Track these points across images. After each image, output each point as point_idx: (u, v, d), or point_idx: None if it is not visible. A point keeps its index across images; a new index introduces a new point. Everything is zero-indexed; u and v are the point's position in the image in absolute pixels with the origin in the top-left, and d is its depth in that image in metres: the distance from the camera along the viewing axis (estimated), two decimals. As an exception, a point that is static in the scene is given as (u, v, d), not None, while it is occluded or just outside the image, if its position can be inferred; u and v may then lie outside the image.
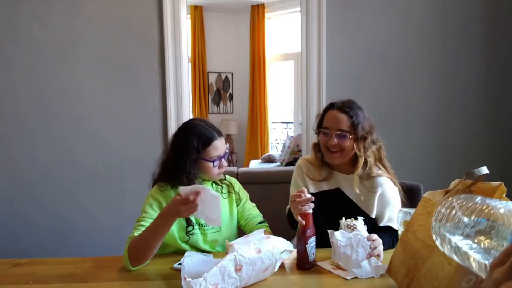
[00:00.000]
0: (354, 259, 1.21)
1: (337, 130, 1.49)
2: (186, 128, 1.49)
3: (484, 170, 1.10)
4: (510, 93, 2.64)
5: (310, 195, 1.28)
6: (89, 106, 2.56)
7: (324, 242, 1.37)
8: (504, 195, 1.08)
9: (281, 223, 1.65)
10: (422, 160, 2.63)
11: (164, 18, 2.51)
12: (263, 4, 5.62)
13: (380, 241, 1.31)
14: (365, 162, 1.52)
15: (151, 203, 1.45)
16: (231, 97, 6.31)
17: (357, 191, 1.51)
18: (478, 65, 2.62)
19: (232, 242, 1.19)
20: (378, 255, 1.28)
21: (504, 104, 2.65)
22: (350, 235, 1.24)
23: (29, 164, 2.56)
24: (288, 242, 1.28)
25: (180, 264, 1.30)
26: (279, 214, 1.73)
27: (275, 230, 1.58)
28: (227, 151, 1.52)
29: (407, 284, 1.05)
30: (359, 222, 1.34)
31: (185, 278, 1.04)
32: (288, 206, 1.60)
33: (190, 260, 1.24)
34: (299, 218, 1.27)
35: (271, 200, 2.08)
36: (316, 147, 1.62)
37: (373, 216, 1.54)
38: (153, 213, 1.42)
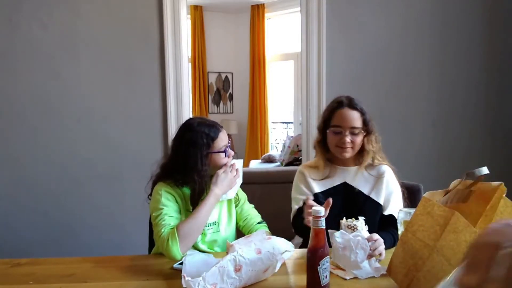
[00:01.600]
0: (353, 260, 1.21)
1: (351, 128, 1.52)
2: (189, 127, 1.50)
3: (485, 170, 1.10)
4: (510, 93, 2.64)
5: (319, 207, 1.15)
6: (89, 106, 2.56)
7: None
8: (504, 195, 1.08)
9: (281, 223, 1.65)
10: (422, 160, 2.63)
11: (164, 18, 2.51)
12: (263, 4, 5.62)
13: (381, 240, 1.30)
14: (372, 154, 1.57)
15: (167, 196, 1.44)
16: (231, 97, 6.31)
17: (368, 182, 1.56)
18: (478, 65, 2.62)
19: (232, 243, 1.19)
20: (380, 254, 1.27)
21: (504, 104, 2.65)
22: (350, 237, 1.23)
23: (29, 164, 2.56)
24: (289, 242, 1.28)
25: (180, 264, 1.30)
26: (279, 214, 1.73)
27: (275, 230, 1.58)
28: (230, 140, 1.58)
29: (407, 284, 1.05)
30: (360, 222, 1.34)
31: (184, 277, 1.04)
32: (293, 213, 1.60)
33: (191, 259, 1.24)
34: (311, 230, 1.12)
35: (271, 200, 2.09)
36: (320, 144, 1.63)
37: (382, 203, 1.55)
38: (172, 204, 1.43)
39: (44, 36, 2.50)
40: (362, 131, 1.53)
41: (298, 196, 1.60)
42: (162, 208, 1.40)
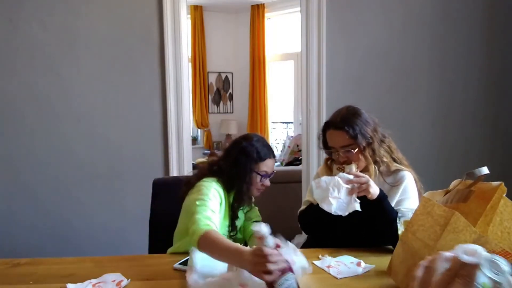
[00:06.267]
0: (323, 196, 1.33)
1: (341, 147, 1.49)
2: (248, 138, 1.55)
3: (485, 170, 1.10)
4: (510, 93, 2.64)
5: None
6: (89, 106, 2.56)
7: (342, 244, 1.45)
8: (504, 195, 1.08)
9: (282, 223, 1.65)
10: (422, 160, 2.62)
11: (164, 18, 2.51)
12: (263, 4, 5.62)
13: (368, 178, 1.37)
14: (383, 161, 1.53)
15: (214, 194, 1.43)
16: (231, 97, 6.30)
17: (383, 190, 1.47)
18: (479, 65, 2.62)
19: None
20: (367, 190, 1.35)
21: (504, 103, 2.65)
22: (324, 178, 1.35)
23: (28, 164, 2.56)
24: (305, 261, 1.18)
25: (180, 264, 1.30)
26: (280, 214, 1.74)
27: (276, 230, 1.58)
28: (274, 172, 1.57)
29: (407, 284, 1.05)
30: (350, 166, 1.44)
31: (191, 272, 1.04)
32: (301, 208, 1.63)
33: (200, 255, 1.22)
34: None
35: (271, 200, 2.09)
36: (328, 160, 1.64)
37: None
38: (214, 202, 1.39)
39: (44, 36, 2.49)
40: (354, 148, 1.48)
41: (307, 199, 1.63)
42: (206, 199, 1.37)
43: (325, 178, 1.35)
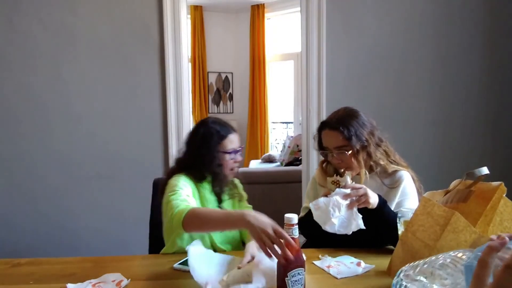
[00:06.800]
0: (324, 218, 1.29)
1: (335, 148, 1.48)
2: (203, 124, 1.55)
3: (485, 170, 1.10)
4: (511, 93, 2.64)
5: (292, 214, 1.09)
6: (88, 106, 2.56)
7: (337, 244, 1.43)
8: (504, 195, 1.08)
9: (282, 223, 1.65)
10: (423, 160, 2.63)
11: (164, 18, 2.51)
12: (263, 4, 5.62)
13: (365, 188, 1.34)
14: (379, 164, 1.52)
15: (185, 184, 1.43)
16: (231, 97, 6.30)
17: (380, 192, 1.46)
18: (480, 65, 2.62)
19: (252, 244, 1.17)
20: (367, 201, 1.33)
21: (505, 104, 2.65)
22: (322, 199, 1.32)
23: (29, 164, 2.56)
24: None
25: (180, 264, 1.30)
26: (279, 214, 1.73)
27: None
28: (242, 147, 1.57)
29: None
30: (344, 178, 1.39)
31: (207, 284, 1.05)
32: (300, 215, 1.61)
33: (195, 251, 1.21)
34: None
35: (271, 200, 2.09)
36: (323, 163, 1.63)
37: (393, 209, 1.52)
38: (187, 190, 1.41)
39: (44, 36, 2.50)
40: (348, 150, 1.46)
41: (305, 205, 1.63)
42: (177, 189, 1.38)
43: (323, 199, 1.32)
